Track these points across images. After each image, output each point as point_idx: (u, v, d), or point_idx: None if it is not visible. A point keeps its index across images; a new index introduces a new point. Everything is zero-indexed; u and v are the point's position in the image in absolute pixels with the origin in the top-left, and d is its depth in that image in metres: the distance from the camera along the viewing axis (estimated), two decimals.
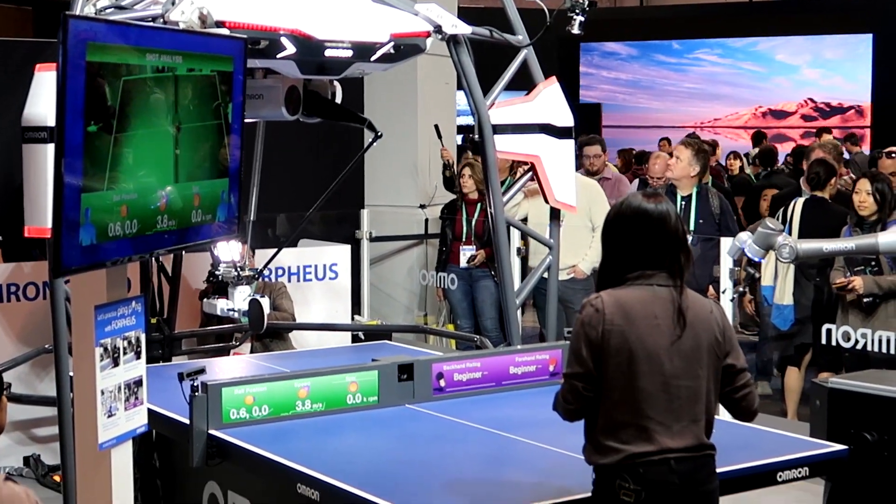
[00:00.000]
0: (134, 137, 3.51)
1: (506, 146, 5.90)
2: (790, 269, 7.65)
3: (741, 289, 5.66)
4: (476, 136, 5.89)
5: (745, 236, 5.30)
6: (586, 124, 10.54)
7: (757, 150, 13.26)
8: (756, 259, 5.23)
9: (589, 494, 3.41)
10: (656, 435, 3.28)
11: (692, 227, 7.60)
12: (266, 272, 7.22)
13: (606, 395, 3.32)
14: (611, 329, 3.29)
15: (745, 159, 13.05)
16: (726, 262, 7.11)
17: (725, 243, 7.22)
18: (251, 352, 6.87)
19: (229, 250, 6.16)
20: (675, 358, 3.31)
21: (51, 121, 3.97)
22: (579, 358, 3.34)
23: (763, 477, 3.98)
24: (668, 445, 3.28)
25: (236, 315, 6.02)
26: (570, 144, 6.14)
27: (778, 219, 7.29)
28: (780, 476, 3.99)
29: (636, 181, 10.62)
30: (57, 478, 6.22)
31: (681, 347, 3.31)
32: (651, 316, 3.31)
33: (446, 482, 3.79)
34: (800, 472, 4.01)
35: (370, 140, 6.23)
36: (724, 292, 6.63)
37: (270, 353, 6.50)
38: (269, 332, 6.98)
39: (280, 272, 7.97)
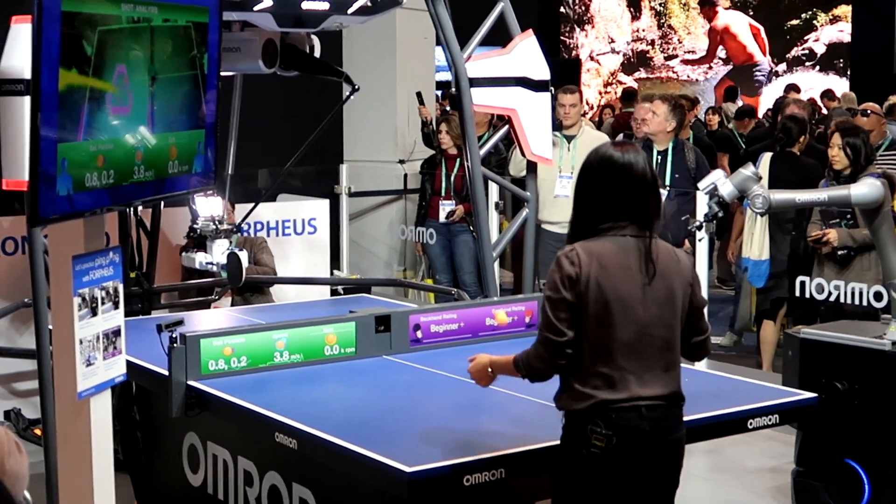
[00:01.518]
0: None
1: (482, 99, 5.93)
2: (765, 226, 7.72)
3: (698, 223, 5.69)
4: (453, 90, 5.91)
5: (721, 173, 5.31)
6: (565, 80, 10.52)
7: (737, 107, 13.28)
8: (727, 200, 5.24)
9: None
10: (628, 384, 3.33)
11: (668, 181, 7.65)
12: (245, 226, 7.25)
13: (582, 344, 3.36)
14: (588, 280, 3.33)
15: (722, 115, 13.09)
16: (702, 215, 7.16)
17: (702, 199, 7.27)
18: (231, 305, 6.90)
19: (209, 205, 6.18)
20: (650, 306, 3.36)
21: (27, 73, 3.98)
22: (558, 312, 3.35)
23: (733, 424, 4.03)
24: (639, 393, 3.34)
25: (215, 269, 6.06)
26: (546, 98, 6.16)
27: None
28: (751, 423, 4.04)
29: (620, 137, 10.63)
30: (38, 431, 6.26)
31: (654, 296, 3.36)
32: (624, 265, 3.35)
33: (422, 430, 3.83)
34: (769, 420, 4.06)
35: (348, 93, 6.24)
36: (697, 228, 6.64)
37: (249, 307, 6.53)
38: (249, 286, 7.01)
39: (259, 227, 7.99)
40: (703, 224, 5.64)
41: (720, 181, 5.23)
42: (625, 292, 3.34)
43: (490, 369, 3.69)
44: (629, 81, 21.16)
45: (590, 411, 3.35)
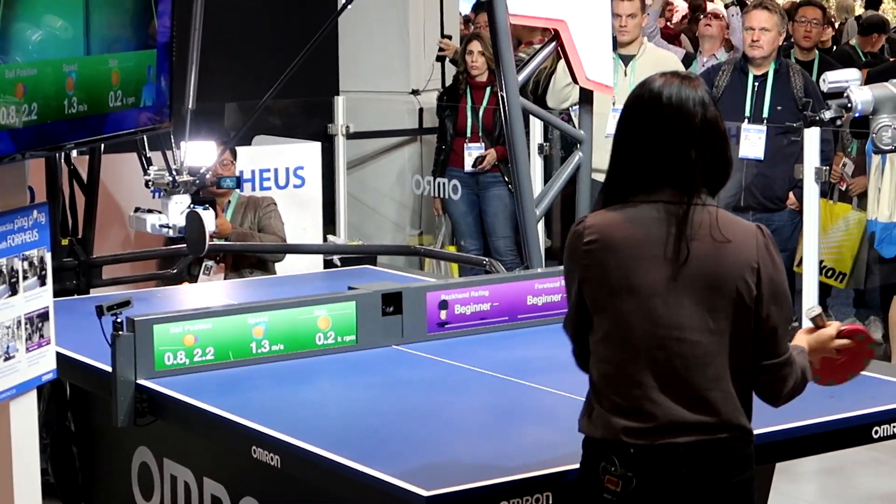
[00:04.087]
0: None
1: (522, 8, 5.90)
2: (893, 178, 7.68)
3: (816, 116, 5.57)
4: None
5: (857, 73, 5.21)
6: None
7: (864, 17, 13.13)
8: (857, 108, 5.13)
9: None
10: (656, 406, 3.20)
11: (766, 114, 7.62)
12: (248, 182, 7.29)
13: (595, 347, 3.29)
14: (589, 263, 3.24)
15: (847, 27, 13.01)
16: (811, 159, 7.12)
17: (810, 136, 7.23)
18: None
19: (201, 153, 6.14)
20: (677, 302, 3.20)
21: None
22: (568, 296, 3.36)
23: (853, 433, 4.01)
24: (675, 419, 3.19)
25: (171, 233, 6.06)
26: (605, 5, 6.13)
27: None
28: (877, 432, 4.02)
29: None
30: None
31: (686, 287, 3.19)
32: (645, 245, 3.21)
33: (445, 443, 3.84)
34: None
35: (344, 2, 6.22)
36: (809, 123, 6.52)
37: (218, 282, 6.56)
38: (250, 261, 7.18)
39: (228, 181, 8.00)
40: (819, 117, 5.50)
41: (855, 83, 5.14)
42: (642, 281, 3.20)
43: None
44: None
45: (603, 442, 3.24)
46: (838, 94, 5.09)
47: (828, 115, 5.13)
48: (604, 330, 3.26)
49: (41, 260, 3.85)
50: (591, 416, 3.29)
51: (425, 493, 3.35)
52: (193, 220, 5.89)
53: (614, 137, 3.31)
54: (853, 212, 8.48)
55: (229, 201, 7.40)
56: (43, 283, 3.87)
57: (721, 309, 3.21)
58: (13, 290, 3.74)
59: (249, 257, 7.29)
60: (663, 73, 3.31)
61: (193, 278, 7.10)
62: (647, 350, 3.20)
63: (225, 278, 7.12)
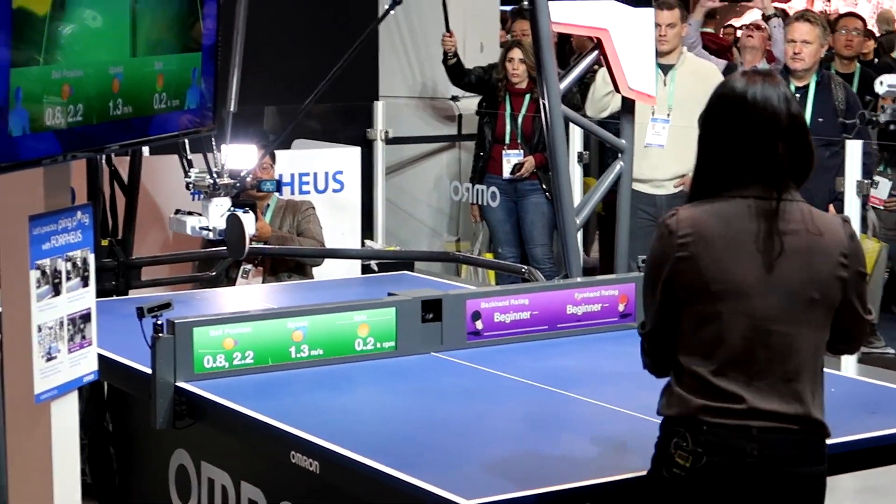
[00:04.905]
0: None
1: (565, 16, 5.89)
2: None
3: (866, 116, 5.53)
4: (526, 3, 5.88)
5: None
6: None
7: None
8: None
9: None
10: (739, 393, 3.29)
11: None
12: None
13: (681, 336, 3.36)
14: (682, 255, 3.32)
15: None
16: (853, 172, 7.07)
17: (852, 149, 7.18)
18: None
19: (242, 156, 6.14)
20: (770, 294, 3.29)
21: None
22: (650, 291, 3.42)
23: (894, 451, 4.00)
24: (755, 405, 3.28)
25: (211, 236, 6.06)
26: (648, 15, 6.12)
27: None
28: None
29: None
30: None
31: (778, 281, 3.29)
32: (739, 239, 3.30)
33: (483, 451, 3.83)
34: None
35: (387, 7, 6.22)
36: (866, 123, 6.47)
37: (257, 286, 6.56)
38: (288, 265, 7.17)
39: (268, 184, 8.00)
40: (875, 118, 5.46)
41: None
42: (735, 274, 3.29)
43: None
44: None
45: (678, 419, 3.33)
46: (893, 98, 5.07)
47: (883, 118, 5.11)
48: (694, 321, 3.33)
49: (84, 261, 3.84)
50: (669, 399, 3.38)
51: (465, 502, 3.35)
52: (234, 222, 5.89)
53: (699, 137, 3.41)
54: (867, 241, 8.39)
55: (268, 205, 7.40)
56: (86, 285, 3.86)
57: (814, 301, 3.32)
58: (56, 291, 3.74)
59: (288, 261, 7.28)
60: (744, 72, 3.41)
61: (231, 281, 7.10)
62: (737, 341, 3.29)
63: (263, 282, 7.12)
